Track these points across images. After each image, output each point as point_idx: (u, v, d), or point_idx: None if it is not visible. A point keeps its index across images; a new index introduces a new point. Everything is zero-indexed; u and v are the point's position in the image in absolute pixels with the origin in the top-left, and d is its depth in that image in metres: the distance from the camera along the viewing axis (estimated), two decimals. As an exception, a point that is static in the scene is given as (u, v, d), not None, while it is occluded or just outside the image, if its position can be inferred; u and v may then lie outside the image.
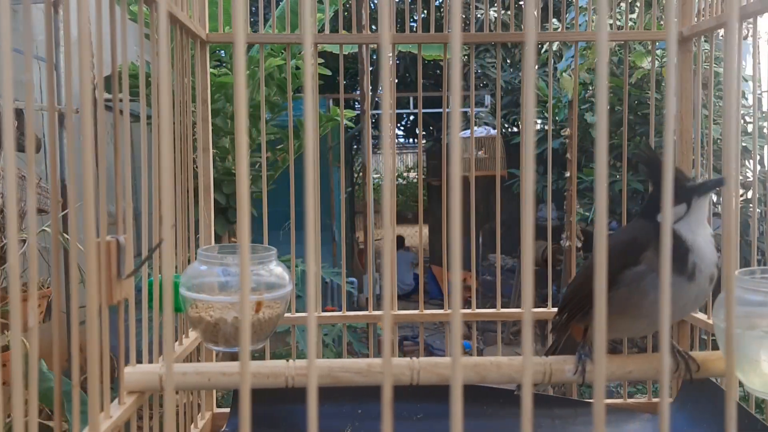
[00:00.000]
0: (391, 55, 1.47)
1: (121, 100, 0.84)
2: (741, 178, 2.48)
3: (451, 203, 0.34)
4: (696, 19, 1.26)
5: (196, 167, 1.26)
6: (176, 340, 1.10)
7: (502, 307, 1.37)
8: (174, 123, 1.07)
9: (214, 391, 1.32)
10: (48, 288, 2.15)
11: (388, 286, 0.34)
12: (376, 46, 1.98)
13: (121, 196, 0.83)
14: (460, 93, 0.34)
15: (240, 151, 0.36)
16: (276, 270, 0.96)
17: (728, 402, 0.40)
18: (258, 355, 1.51)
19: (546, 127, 4.59)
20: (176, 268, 1.06)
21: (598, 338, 0.36)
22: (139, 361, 0.92)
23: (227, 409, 1.26)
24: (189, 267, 1.00)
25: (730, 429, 0.40)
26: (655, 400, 1.30)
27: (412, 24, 5.11)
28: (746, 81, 2.37)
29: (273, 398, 1.07)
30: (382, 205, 0.35)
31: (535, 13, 1.36)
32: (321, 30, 1.95)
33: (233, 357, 1.51)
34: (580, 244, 4.10)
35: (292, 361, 0.88)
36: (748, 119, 2.69)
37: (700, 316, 1.22)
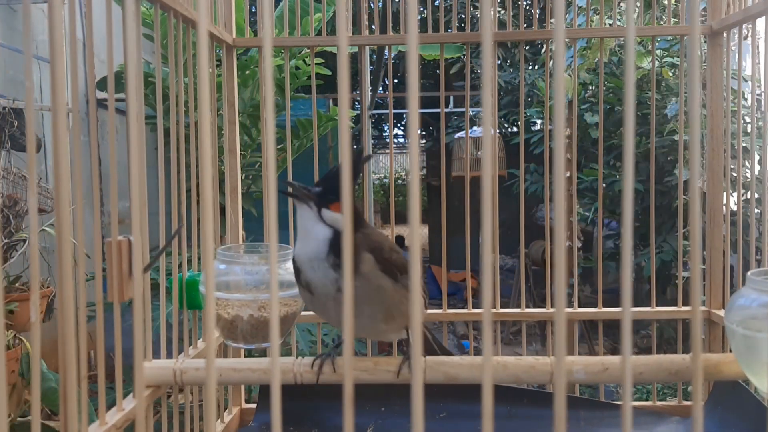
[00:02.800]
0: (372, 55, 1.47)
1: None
2: (740, 178, 2.47)
3: (410, 202, 0.34)
4: (725, 12, 1.25)
5: (222, 167, 1.27)
6: (200, 338, 1.14)
7: (501, 307, 1.38)
8: (195, 128, 1.08)
9: (242, 387, 1.33)
10: (48, 288, 2.15)
11: (349, 289, 0.33)
12: (376, 46, 1.97)
13: (136, 196, 0.83)
14: (417, 92, 0.34)
15: (203, 152, 0.36)
16: (292, 268, 0.99)
17: (694, 382, 0.40)
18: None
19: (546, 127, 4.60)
20: (196, 266, 1.09)
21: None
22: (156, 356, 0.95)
23: (254, 405, 1.27)
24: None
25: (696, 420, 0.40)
26: (685, 402, 1.29)
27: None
28: (746, 81, 2.37)
29: (297, 395, 1.09)
30: (343, 208, 0.35)
31: (536, 12, 1.36)
32: (319, 31, 1.94)
33: (257, 353, 1.52)
34: (580, 244, 4.11)
35: (300, 358, 0.90)
36: (747, 119, 2.68)
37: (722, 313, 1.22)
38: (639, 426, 1.16)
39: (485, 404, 0.35)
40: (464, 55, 1.36)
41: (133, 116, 0.36)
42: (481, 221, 0.34)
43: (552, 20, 1.41)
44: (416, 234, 0.33)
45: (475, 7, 4.80)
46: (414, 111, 0.34)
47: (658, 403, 1.30)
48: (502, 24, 1.38)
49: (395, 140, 8.72)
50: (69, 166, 0.53)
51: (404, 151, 9.36)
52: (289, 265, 0.99)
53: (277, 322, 0.36)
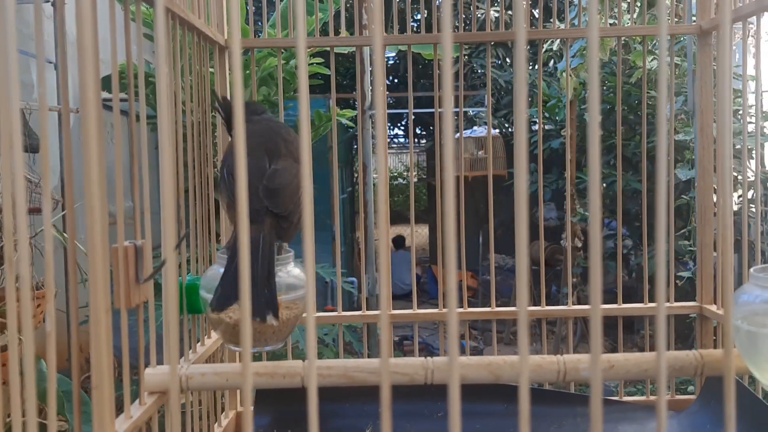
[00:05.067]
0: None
1: (136, 100, 0.85)
2: (740, 177, 2.48)
3: (445, 202, 0.34)
4: (714, 12, 1.25)
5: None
6: (198, 342, 1.12)
7: (501, 306, 1.38)
8: (192, 128, 1.08)
9: (238, 391, 1.33)
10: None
11: (386, 288, 0.34)
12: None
13: (139, 199, 0.83)
14: (451, 91, 0.34)
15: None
16: (294, 271, 0.98)
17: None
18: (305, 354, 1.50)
19: (547, 127, 4.61)
20: (194, 270, 1.08)
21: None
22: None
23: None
24: (208, 269, 1.01)
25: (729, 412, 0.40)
26: (677, 397, 1.28)
27: (412, 24, 5.11)
28: (748, 80, 2.36)
29: (297, 398, 1.08)
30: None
31: (536, 12, 1.36)
32: (321, 30, 1.95)
33: (257, 357, 1.52)
34: (580, 244, 4.11)
35: (307, 360, 0.88)
36: (748, 119, 2.69)
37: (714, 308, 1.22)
38: (633, 420, 1.16)
39: (522, 405, 0.35)
40: (465, 55, 1.37)
41: (164, 129, 0.37)
42: (516, 227, 0.34)
43: (553, 20, 1.41)
44: (450, 236, 0.33)
45: (477, 7, 4.80)
46: (448, 109, 0.34)
47: (652, 397, 1.30)
48: (506, 26, 1.38)
49: (395, 140, 8.72)
50: (98, 169, 0.53)
51: (405, 151, 9.37)
52: (290, 268, 0.98)
53: (313, 322, 0.37)
